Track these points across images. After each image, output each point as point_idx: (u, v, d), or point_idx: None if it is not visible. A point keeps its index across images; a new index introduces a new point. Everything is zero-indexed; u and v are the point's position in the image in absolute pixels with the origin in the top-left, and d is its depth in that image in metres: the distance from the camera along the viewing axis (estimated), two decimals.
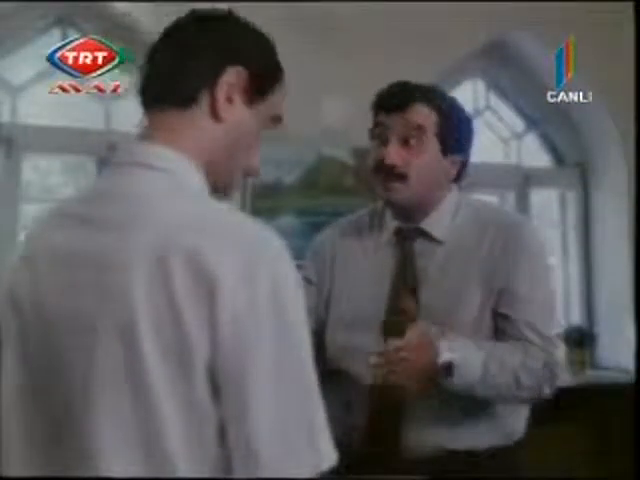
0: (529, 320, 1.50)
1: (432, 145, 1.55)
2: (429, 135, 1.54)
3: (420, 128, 1.53)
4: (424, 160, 1.54)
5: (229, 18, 1.01)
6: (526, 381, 1.47)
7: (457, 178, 1.62)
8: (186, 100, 0.96)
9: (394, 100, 1.56)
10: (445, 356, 1.40)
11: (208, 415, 0.83)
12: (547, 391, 1.52)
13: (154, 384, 0.82)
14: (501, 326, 1.51)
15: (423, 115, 1.54)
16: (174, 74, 0.96)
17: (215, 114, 0.96)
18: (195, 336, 0.81)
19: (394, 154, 1.53)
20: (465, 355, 1.42)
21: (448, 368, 1.41)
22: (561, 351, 1.63)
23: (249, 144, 1.01)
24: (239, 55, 0.97)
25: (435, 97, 1.58)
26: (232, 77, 0.96)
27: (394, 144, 1.54)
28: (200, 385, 0.82)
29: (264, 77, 1.01)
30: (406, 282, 1.56)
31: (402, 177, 1.53)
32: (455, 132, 1.57)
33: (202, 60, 0.96)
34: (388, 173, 1.53)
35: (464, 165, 1.61)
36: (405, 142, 1.54)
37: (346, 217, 1.75)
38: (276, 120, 1.05)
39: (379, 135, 1.57)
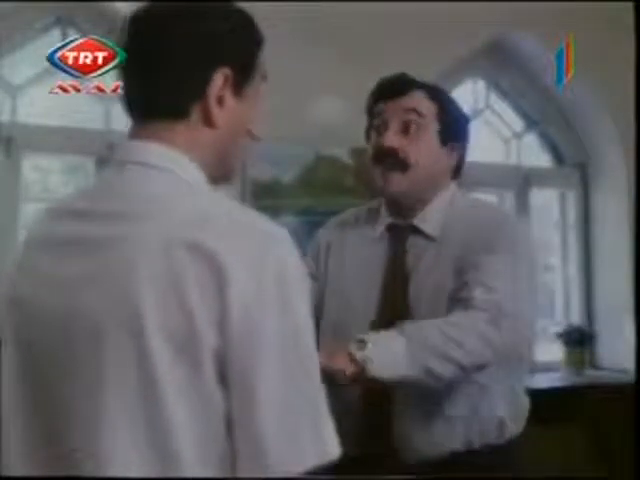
0: (482, 279, 1.41)
1: (432, 131, 1.55)
2: (429, 121, 1.55)
3: (419, 113, 1.54)
4: (424, 146, 1.54)
5: (207, 12, 0.96)
6: (471, 346, 1.36)
7: (455, 175, 1.61)
8: (177, 115, 0.94)
9: (393, 88, 1.56)
10: (358, 354, 1.33)
11: (217, 410, 0.83)
12: (488, 355, 1.39)
13: (162, 380, 0.82)
14: (454, 295, 1.44)
15: (422, 101, 1.56)
16: (160, 89, 0.94)
17: (210, 123, 0.95)
18: (205, 331, 0.81)
19: (393, 137, 1.53)
20: (379, 345, 1.34)
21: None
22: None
23: (245, 127, 1.00)
24: (224, 56, 0.95)
25: (432, 87, 1.60)
26: (220, 80, 0.95)
27: (393, 129, 1.54)
28: (209, 380, 0.82)
29: (250, 65, 0.99)
30: (396, 279, 1.55)
31: (403, 165, 1.52)
32: (453, 120, 1.58)
33: (188, 71, 0.94)
34: (388, 161, 1.53)
35: (461, 160, 1.61)
36: (405, 128, 1.54)
37: (344, 213, 1.74)
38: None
39: (378, 125, 1.57)
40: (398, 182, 1.53)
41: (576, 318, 3.70)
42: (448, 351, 1.36)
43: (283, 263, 0.85)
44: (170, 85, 0.94)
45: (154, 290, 0.82)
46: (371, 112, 1.60)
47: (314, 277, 1.64)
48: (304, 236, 1.72)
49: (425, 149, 1.54)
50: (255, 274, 0.83)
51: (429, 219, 1.58)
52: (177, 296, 0.82)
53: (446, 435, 1.48)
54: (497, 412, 1.53)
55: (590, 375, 3.46)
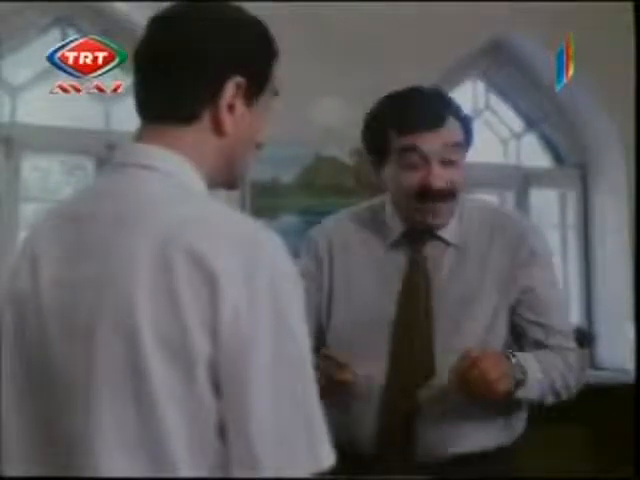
0: (557, 326, 1.54)
1: (464, 156, 1.53)
2: (464, 149, 1.52)
3: (459, 145, 1.50)
4: (463, 174, 1.51)
5: (226, 20, 0.97)
6: (571, 382, 1.53)
7: None
8: (187, 119, 0.95)
9: (430, 118, 1.47)
10: (517, 374, 1.42)
11: (209, 414, 0.83)
12: (576, 388, 1.56)
13: (155, 383, 0.82)
14: (531, 332, 1.53)
15: (457, 131, 1.50)
16: (172, 92, 0.94)
17: (219, 129, 0.95)
18: (197, 335, 0.81)
19: (440, 178, 1.47)
20: (529, 367, 1.44)
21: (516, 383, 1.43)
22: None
23: (252, 137, 1.00)
24: (239, 65, 0.95)
25: (457, 106, 1.53)
26: (232, 88, 0.95)
27: (436, 167, 1.47)
28: (202, 385, 0.82)
29: (263, 76, 0.99)
30: (417, 285, 1.54)
31: (451, 197, 1.50)
32: (471, 136, 1.55)
33: (203, 77, 0.94)
34: (438, 199, 1.48)
35: None
36: (445, 161, 1.48)
37: (339, 214, 1.70)
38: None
39: (413, 160, 1.47)
40: (445, 213, 1.52)
41: (576, 318, 3.70)
42: (559, 389, 1.51)
43: (275, 268, 0.85)
44: (183, 89, 0.94)
45: (148, 294, 0.82)
46: (399, 142, 1.48)
47: (313, 277, 1.59)
48: (304, 236, 1.71)
49: (463, 174, 1.52)
50: (247, 280, 0.82)
51: (448, 224, 1.55)
52: (171, 301, 0.82)
53: (466, 438, 1.48)
54: (512, 415, 1.55)
55: (590, 375, 3.46)
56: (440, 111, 1.48)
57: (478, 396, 1.39)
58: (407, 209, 1.53)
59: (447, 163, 1.48)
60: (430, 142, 1.46)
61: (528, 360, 1.46)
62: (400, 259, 1.57)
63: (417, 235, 1.57)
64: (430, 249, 1.56)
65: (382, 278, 1.56)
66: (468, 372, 1.36)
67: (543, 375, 1.47)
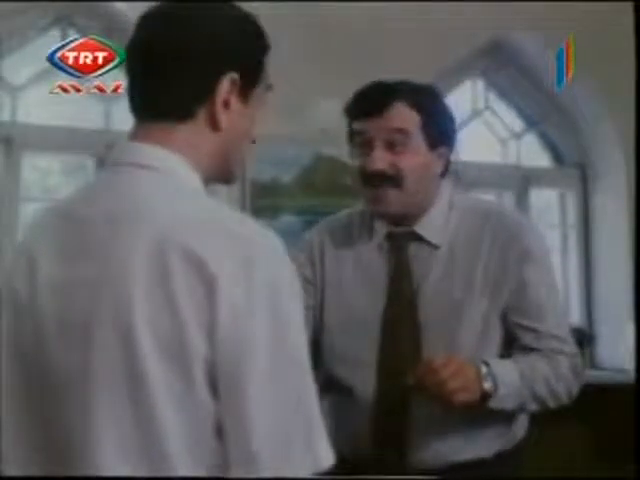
0: (552, 330, 1.49)
1: (418, 144, 1.47)
2: (414, 135, 1.47)
3: (404, 131, 1.46)
4: (413, 161, 1.46)
5: (218, 16, 0.97)
6: (559, 389, 1.48)
7: (443, 172, 1.54)
8: (183, 116, 0.95)
9: (372, 104, 1.47)
10: (487, 384, 1.38)
11: (207, 414, 0.83)
12: (574, 393, 1.52)
13: (152, 384, 0.82)
14: (521, 337, 1.48)
15: (404, 115, 1.46)
16: (167, 90, 0.94)
17: (214, 125, 0.95)
18: (194, 335, 0.81)
19: (379, 159, 1.45)
20: (503, 377, 1.40)
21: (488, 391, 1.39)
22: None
23: (247, 132, 1.01)
24: (233, 61, 0.95)
25: (412, 92, 1.49)
26: (227, 84, 0.95)
27: (378, 149, 1.46)
28: (199, 385, 0.82)
29: (257, 71, 0.99)
30: (402, 289, 1.51)
31: (395, 182, 1.46)
32: (438, 124, 1.50)
33: (197, 74, 0.94)
34: (378, 181, 1.46)
35: (449, 157, 1.55)
36: (390, 146, 1.46)
37: (335, 216, 1.69)
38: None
39: (360, 144, 1.49)
40: (392, 200, 1.47)
41: (576, 318, 3.70)
42: (544, 396, 1.46)
43: (273, 269, 0.85)
44: (178, 86, 0.94)
45: (145, 294, 0.82)
46: (350, 126, 1.51)
47: (308, 279, 1.58)
48: (303, 236, 1.71)
49: (414, 161, 1.46)
50: (244, 280, 0.82)
51: (430, 226, 1.52)
52: (167, 300, 0.82)
53: (461, 445, 1.46)
54: (512, 422, 1.53)
55: (590, 375, 3.46)
56: (381, 97, 1.47)
57: (438, 402, 1.36)
58: (365, 200, 1.53)
59: (391, 147, 1.46)
60: (371, 126, 1.47)
61: (504, 368, 1.42)
62: (385, 263, 1.54)
63: (399, 237, 1.54)
64: (415, 251, 1.52)
65: (370, 281, 1.54)
66: (425, 379, 1.34)
67: (521, 383, 1.42)
